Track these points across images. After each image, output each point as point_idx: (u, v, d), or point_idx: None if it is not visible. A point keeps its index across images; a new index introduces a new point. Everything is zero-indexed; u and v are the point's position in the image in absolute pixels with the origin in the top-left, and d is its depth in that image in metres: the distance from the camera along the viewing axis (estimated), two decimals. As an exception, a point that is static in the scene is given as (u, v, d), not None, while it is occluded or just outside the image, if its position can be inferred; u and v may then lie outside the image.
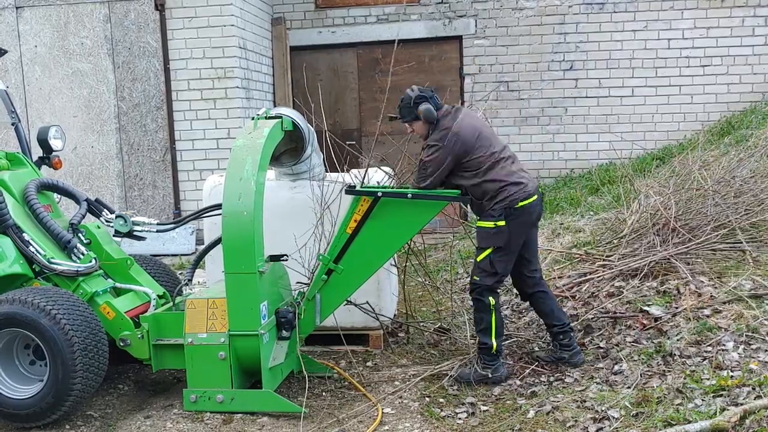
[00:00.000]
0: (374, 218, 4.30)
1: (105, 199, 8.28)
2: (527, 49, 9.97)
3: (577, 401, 3.91)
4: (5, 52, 5.33)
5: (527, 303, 4.86)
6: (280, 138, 4.43)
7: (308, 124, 4.70)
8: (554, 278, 5.72)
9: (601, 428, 3.55)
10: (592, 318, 4.93)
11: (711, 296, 4.53)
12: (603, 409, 3.70)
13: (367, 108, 10.48)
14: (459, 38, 10.11)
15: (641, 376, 3.96)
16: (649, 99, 9.83)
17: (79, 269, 4.35)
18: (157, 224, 4.78)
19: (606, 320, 4.85)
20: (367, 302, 5.07)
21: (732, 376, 3.62)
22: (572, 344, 4.51)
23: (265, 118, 4.42)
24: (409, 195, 4.29)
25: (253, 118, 4.44)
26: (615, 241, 5.85)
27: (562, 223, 7.33)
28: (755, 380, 3.53)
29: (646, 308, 4.71)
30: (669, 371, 3.92)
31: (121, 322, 4.33)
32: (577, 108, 9.97)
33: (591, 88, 9.92)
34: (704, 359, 3.92)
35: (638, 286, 5.01)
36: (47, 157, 5.00)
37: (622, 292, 5.03)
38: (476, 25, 10.04)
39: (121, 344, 4.34)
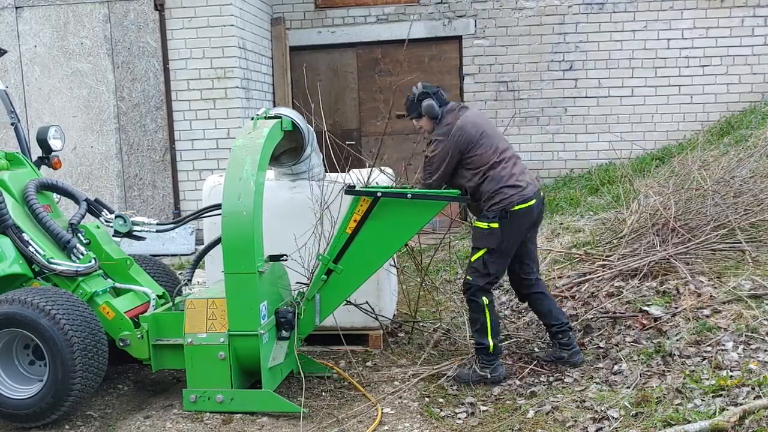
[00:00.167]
0: (374, 218, 4.30)
1: (104, 199, 8.27)
2: (527, 49, 9.97)
3: (576, 401, 3.92)
4: (5, 52, 5.33)
5: (525, 303, 4.87)
6: (280, 138, 4.43)
7: (308, 125, 4.70)
8: (554, 278, 5.72)
9: (601, 428, 3.55)
10: (591, 318, 4.93)
11: (710, 296, 4.53)
12: (602, 409, 3.70)
13: (366, 108, 10.48)
14: (459, 38, 10.11)
15: (641, 376, 3.96)
16: (648, 99, 9.84)
17: (79, 269, 4.34)
18: (157, 224, 4.77)
19: (605, 320, 4.85)
20: (367, 302, 5.07)
21: (731, 376, 3.62)
22: (571, 343, 4.51)
23: (265, 118, 4.42)
24: (409, 195, 4.30)
25: (252, 118, 4.44)
26: (614, 241, 5.86)
27: (561, 223, 7.34)
28: (755, 380, 3.53)
29: (645, 308, 4.71)
30: (668, 371, 3.92)
31: (120, 322, 4.33)
32: (576, 108, 9.98)
33: (591, 88, 9.92)
34: (704, 359, 3.92)
35: (638, 286, 5.01)
36: (47, 157, 5.00)
37: (622, 292, 5.03)
38: (476, 25, 10.04)
39: (121, 344, 4.34)
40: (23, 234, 4.34)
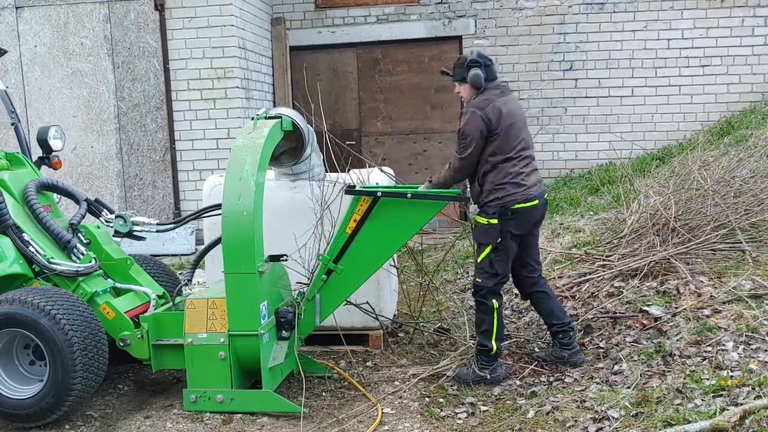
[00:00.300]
0: (374, 218, 4.30)
1: (105, 199, 8.28)
2: (527, 49, 9.97)
3: (576, 401, 3.91)
4: (5, 52, 5.33)
5: (527, 303, 4.86)
6: (280, 138, 4.43)
7: (308, 125, 4.70)
8: (554, 278, 5.72)
9: (601, 428, 3.55)
10: (591, 318, 4.93)
11: (711, 296, 4.53)
12: (603, 409, 3.70)
13: (366, 108, 10.48)
14: (459, 38, 10.11)
15: (641, 376, 3.96)
16: (648, 99, 9.84)
17: (79, 269, 4.34)
18: (157, 224, 4.77)
19: (606, 320, 4.85)
20: (367, 302, 5.07)
21: (732, 376, 3.62)
22: (572, 343, 4.50)
23: (265, 118, 4.42)
24: (409, 195, 4.30)
25: (252, 118, 4.44)
26: (615, 241, 5.86)
27: (561, 223, 7.33)
28: (755, 380, 3.53)
29: (645, 308, 4.71)
30: (669, 371, 3.92)
31: (120, 322, 4.33)
32: (576, 108, 9.98)
33: (591, 88, 9.92)
34: (704, 359, 3.92)
35: (638, 286, 5.01)
36: (47, 157, 5.00)
37: (622, 292, 5.03)
38: (476, 25, 10.04)
39: (121, 344, 4.34)
40: (23, 234, 4.34)
